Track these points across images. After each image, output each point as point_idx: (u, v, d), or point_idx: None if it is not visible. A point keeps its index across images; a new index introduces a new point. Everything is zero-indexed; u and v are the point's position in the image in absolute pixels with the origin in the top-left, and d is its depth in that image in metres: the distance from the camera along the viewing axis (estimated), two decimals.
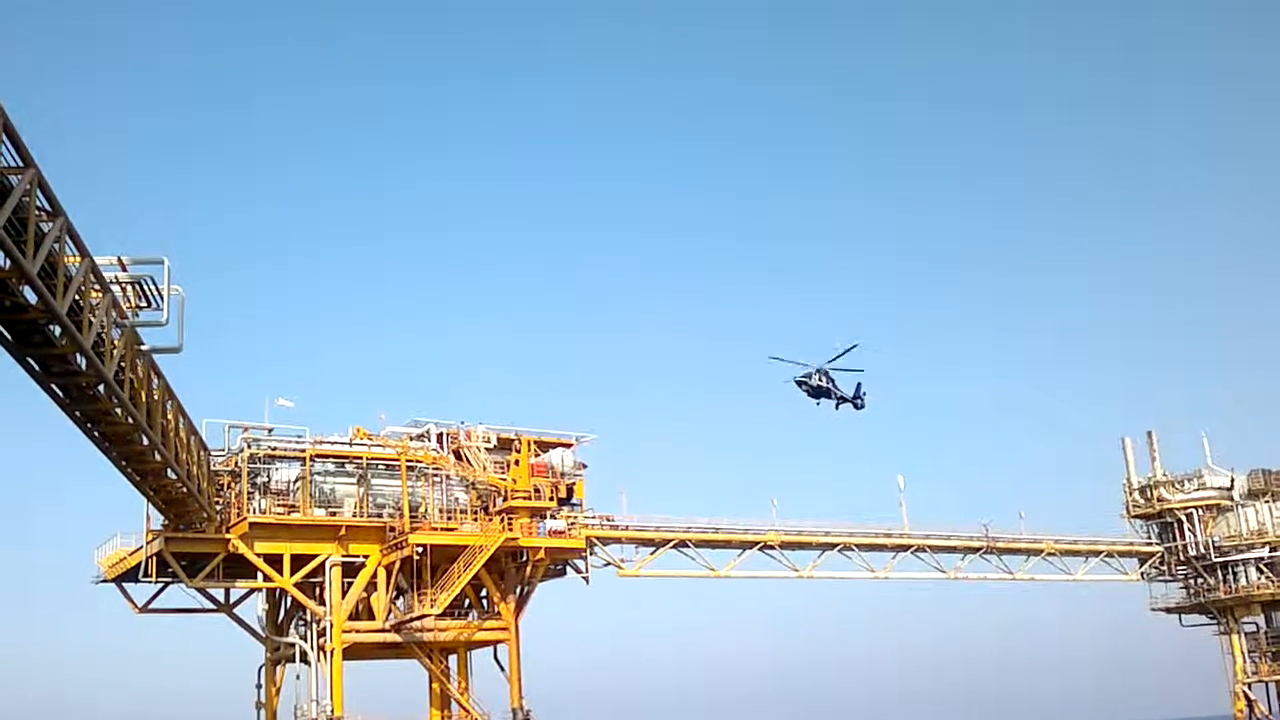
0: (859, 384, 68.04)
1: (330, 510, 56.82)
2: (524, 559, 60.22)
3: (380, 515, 57.59)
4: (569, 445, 63.51)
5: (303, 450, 56.90)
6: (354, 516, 56.96)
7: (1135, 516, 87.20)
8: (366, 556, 57.06)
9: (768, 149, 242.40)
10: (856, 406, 68.35)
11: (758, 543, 68.68)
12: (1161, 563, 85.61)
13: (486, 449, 61.42)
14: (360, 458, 58.18)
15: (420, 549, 55.59)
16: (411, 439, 60.55)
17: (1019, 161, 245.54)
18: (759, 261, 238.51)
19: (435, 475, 59.46)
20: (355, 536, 56.80)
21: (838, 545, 71.68)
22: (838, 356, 65.22)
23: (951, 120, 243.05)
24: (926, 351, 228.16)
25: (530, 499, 59.63)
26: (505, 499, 59.71)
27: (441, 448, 60.87)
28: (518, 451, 60.96)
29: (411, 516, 57.05)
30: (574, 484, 62.60)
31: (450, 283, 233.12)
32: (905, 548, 74.33)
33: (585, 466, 63.69)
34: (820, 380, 65.04)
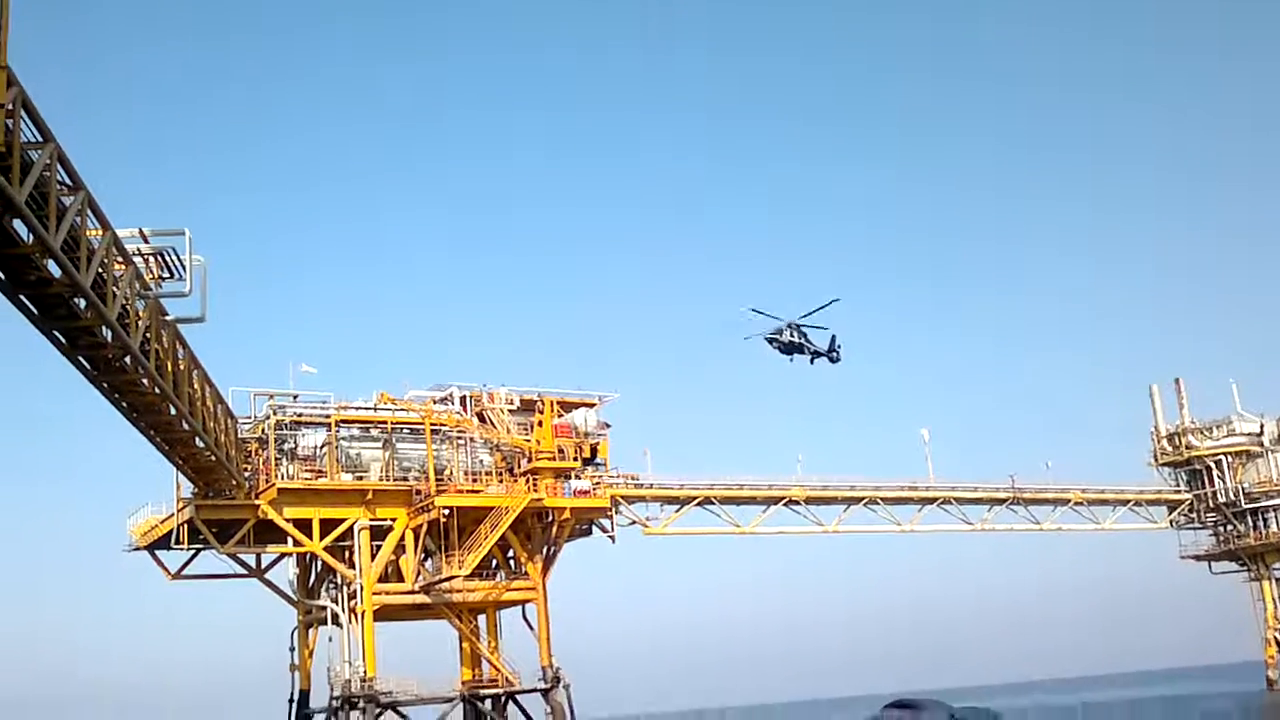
0: (833, 337, 66.28)
1: (357, 475, 57.31)
2: (550, 519, 60.62)
3: (406, 479, 58.06)
4: (592, 405, 63.74)
5: (328, 416, 57.45)
6: (380, 480, 57.46)
7: (1164, 464, 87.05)
8: (394, 520, 57.60)
9: (772, 121, 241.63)
10: (832, 360, 66.38)
11: (783, 498, 68.96)
12: (1190, 510, 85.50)
13: (509, 411, 61.82)
14: (385, 422, 58.66)
15: (446, 511, 55.99)
16: (435, 402, 60.90)
17: (1026, 131, 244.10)
18: (762, 228, 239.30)
19: (459, 438, 59.86)
20: (382, 500, 57.35)
21: (863, 499, 71.87)
22: (813, 311, 63.58)
23: (955, 91, 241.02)
24: (933, 311, 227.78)
25: (554, 460, 59.96)
26: (530, 460, 60.11)
27: (465, 411, 61.20)
28: (541, 413, 61.27)
29: (437, 479, 57.49)
30: (598, 444, 62.91)
31: (469, 250, 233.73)
32: (931, 500, 74.39)
33: (609, 426, 64.02)
34: (792, 335, 63.33)
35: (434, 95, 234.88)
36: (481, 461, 60.61)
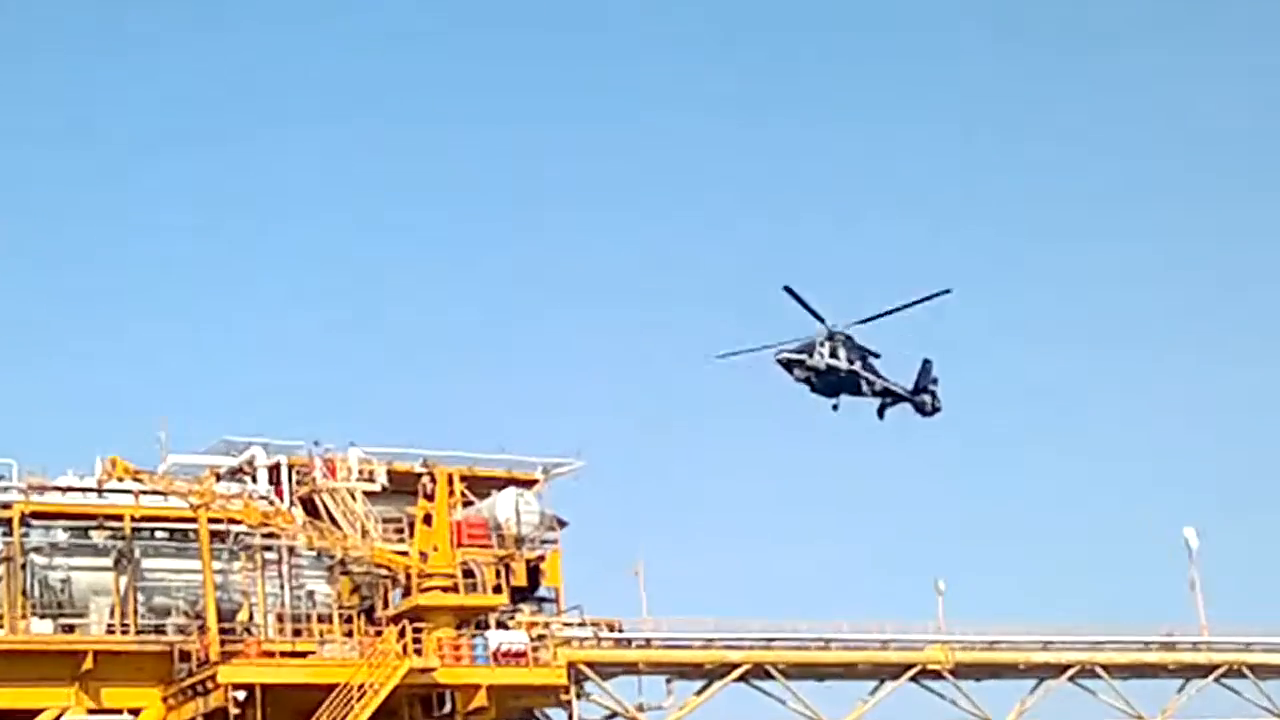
0: (926, 363, 64.55)
1: (64, 622, 56.58)
2: (448, 710, 59.17)
3: (162, 628, 57.58)
4: (532, 482, 64.50)
5: (8, 506, 56.97)
6: (110, 631, 56.62)
7: None
8: (139, 709, 56.78)
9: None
10: (921, 409, 64.77)
11: (910, 665, 68.47)
12: None
13: (367, 492, 61.30)
14: (119, 516, 57.83)
15: (242, 695, 54.44)
16: (219, 477, 59.67)
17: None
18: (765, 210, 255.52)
19: (267, 547, 59.36)
20: (114, 671, 56.08)
21: (1072, 667, 71.67)
22: (892, 310, 60.25)
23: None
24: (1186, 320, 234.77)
25: (456, 589, 58.96)
26: (407, 590, 59.15)
27: (280, 494, 60.90)
28: (430, 497, 60.26)
29: (224, 631, 56.15)
30: (542, 558, 63.34)
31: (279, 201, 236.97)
32: (1204, 670, 74.79)
33: (564, 524, 64.47)
34: (834, 357, 60.56)
35: None
36: (312, 595, 60.43)
